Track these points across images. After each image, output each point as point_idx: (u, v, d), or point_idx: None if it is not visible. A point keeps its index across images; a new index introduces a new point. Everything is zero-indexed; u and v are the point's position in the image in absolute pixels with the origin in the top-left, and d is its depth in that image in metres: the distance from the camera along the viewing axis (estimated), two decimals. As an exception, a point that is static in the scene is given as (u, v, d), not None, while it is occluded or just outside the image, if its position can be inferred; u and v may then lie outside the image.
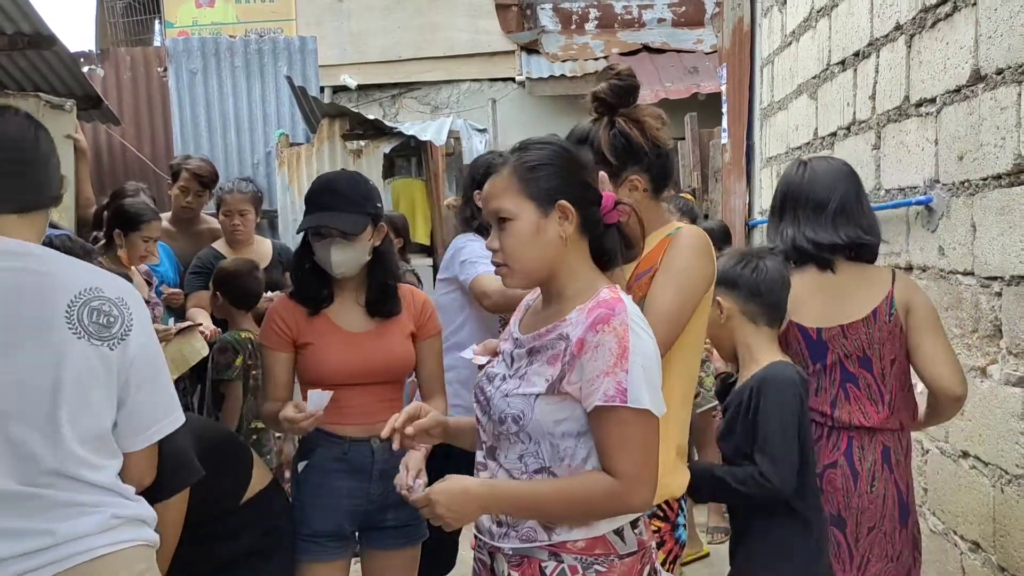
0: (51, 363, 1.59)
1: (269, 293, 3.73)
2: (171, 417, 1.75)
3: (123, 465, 1.69)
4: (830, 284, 2.42)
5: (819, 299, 2.42)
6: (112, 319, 1.65)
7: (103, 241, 3.68)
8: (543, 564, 1.62)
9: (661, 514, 2.06)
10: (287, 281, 3.96)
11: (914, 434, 3.18)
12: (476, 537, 1.78)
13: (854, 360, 2.36)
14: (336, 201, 2.43)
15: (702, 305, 2.03)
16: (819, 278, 2.44)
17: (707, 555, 4.18)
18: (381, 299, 2.50)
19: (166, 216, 4.38)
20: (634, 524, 1.67)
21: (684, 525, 2.12)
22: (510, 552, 1.65)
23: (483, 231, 3.06)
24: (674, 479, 2.08)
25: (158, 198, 5.19)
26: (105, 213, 3.84)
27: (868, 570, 2.34)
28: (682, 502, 2.11)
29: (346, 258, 2.42)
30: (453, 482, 1.63)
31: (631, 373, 1.56)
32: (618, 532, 1.64)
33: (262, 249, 4.18)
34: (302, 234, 2.50)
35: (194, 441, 2.03)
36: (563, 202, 1.66)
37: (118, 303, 1.68)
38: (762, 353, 2.29)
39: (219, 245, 4.08)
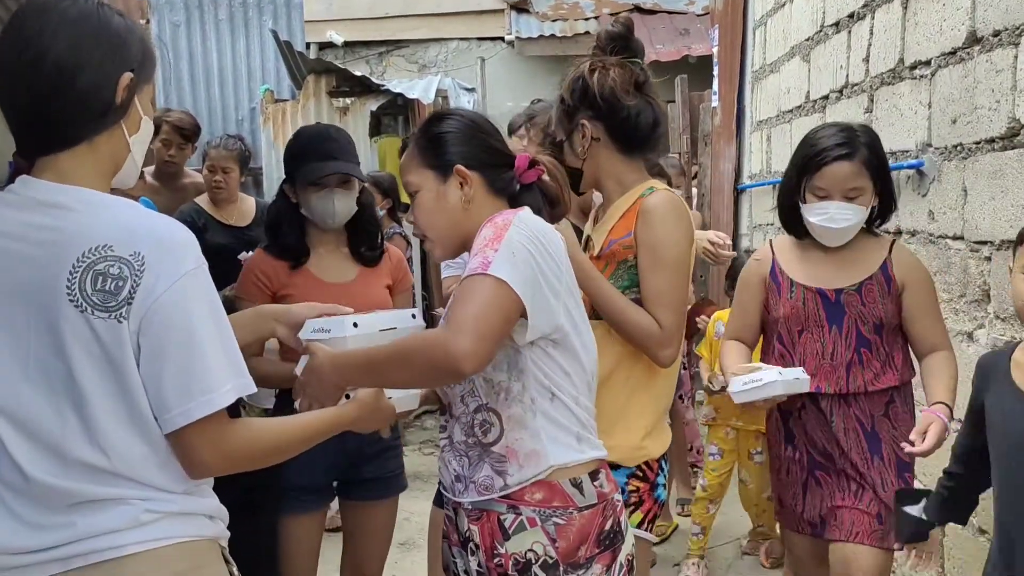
0: (54, 341, 1.36)
1: (249, 253, 3.68)
2: (207, 396, 1.37)
3: (175, 450, 1.41)
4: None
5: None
6: (121, 282, 1.34)
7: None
8: (501, 516, 1.62)
9: (640, 474, 2.07)
10: (261, 243, 3.92)
11: (898, 398, 3.19)
12: (442, 494, 1.78)
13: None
14: (338, 150, 2.48)
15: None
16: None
17: (676, 527, 4.19)
18: (369, 245, 2.56)
19: (149, 170, 4.30)
20: (594, 476, 1.66)
21: (664, 485, 2.13)
22: (469, 506, 1.66)
23: None
24: (654, 441, 2.09)
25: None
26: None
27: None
28: (662, 462, 2.12)
29: (347, 207, 2.47)
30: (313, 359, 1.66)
31: (499, 252, 1.55)
32: (576, 484, 1.63)
33: (245, 207, 4.12)
34: (279, 192, 2.52)
35: None
36: (459, 166, 1.70)
37: (131, 260, 1.35)
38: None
39: (202, 200, 4.02)
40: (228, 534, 1.55)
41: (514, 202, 1.74)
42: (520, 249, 1.57)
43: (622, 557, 1.66)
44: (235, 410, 2.37)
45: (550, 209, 1.78)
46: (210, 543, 1.49)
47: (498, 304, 1.54)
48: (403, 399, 1.72)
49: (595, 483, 1.66)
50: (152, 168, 4.33)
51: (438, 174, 1.72)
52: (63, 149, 1.42)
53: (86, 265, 1.34)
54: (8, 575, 1.39)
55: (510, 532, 1.61)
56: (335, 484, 2.57)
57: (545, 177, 1.78)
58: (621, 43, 2.12)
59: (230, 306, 3.42)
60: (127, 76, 1.42)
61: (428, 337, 1.56)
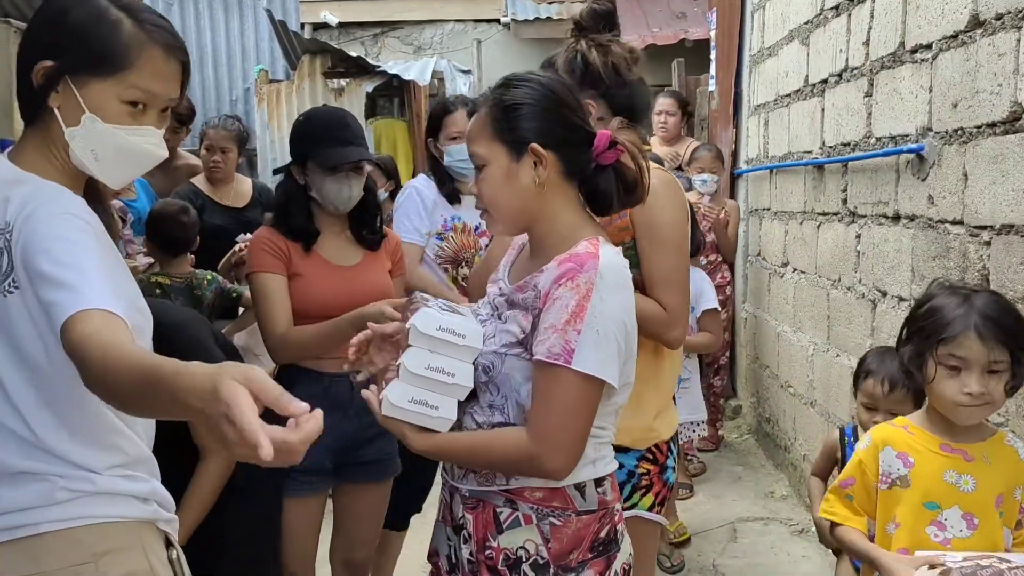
0: None
1: (247, 235, 3.66)
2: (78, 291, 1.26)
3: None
4: None
5: None
6: (1, 255, 1.35)
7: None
8: (498, 509, 1.58)
9: (651, 456, 2.07)
10: (267, 222, 3.89)
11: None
12: (442, 474, 1.77)
13: None
14: (353, 136, 2.47)
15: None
16: None
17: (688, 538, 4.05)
18: (371, 228, 2.56)
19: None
20: (599, 482, 1.61)
21: (674, 468, 2.12)
22: (467, 494, 1.62)
23: (442, 175, 3.13)
24: (663, 423, 2.08)
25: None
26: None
27: None
28: (671, 445, 2.12)
29: (358, 192, 2.47)
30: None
31: (583, 335, 1.47)
32: (579, 488, 1.58)
33: (242, 188, 4.10)
34: (285, 174, 2.51)
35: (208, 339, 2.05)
36: (535, 146, 1.56)
37: (5, 231, 1.35)
38: None
39: (198, 181, 4.00)
40: (170, 516, 1.52)
41: (587, 184, 1.63)
42: (604, 325, 1.49)
43: (617, 566, 1.62)
44: None
45: (626, 195, 1.65)
46: (140, 524, 1.45)
47: (586, 403, 1.51)
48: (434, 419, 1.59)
49: (599, 489, 1.61)
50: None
51: (511, 151, 1.57)
52: (26, 127, 1.48)
53: None
54: None
55: (504, 526, 1.58)
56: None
57: (624, 159, 1.63)
58: (608, 20, 2.08)
59: (234, 303, 3.42)
60: (41, 64, 1.41)
61: (518, 446, 1.51)
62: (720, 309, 3.88)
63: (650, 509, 2.06)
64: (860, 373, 2.50)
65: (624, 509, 2.00)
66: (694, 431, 3.91)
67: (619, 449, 1.99)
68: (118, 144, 1.44)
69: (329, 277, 2.43)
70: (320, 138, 2.43)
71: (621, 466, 2.01)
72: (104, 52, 1.41)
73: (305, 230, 2.44)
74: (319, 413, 1.01)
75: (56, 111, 1.42)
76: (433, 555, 1.76)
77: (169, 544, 1.49)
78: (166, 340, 1.98)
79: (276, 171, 3.05)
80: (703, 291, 3.67)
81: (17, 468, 1.37)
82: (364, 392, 1.59)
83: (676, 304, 1.97)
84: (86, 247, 1.32)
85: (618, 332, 1.52)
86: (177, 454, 1.82)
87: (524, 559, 1.56)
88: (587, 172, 1.62)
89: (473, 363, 1.58)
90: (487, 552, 1.58)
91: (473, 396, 1.62)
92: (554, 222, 1.61)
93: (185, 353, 1.80)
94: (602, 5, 2.09)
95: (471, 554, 1.61)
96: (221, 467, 1.96)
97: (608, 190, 1.63)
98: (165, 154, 1.54)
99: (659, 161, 4.07)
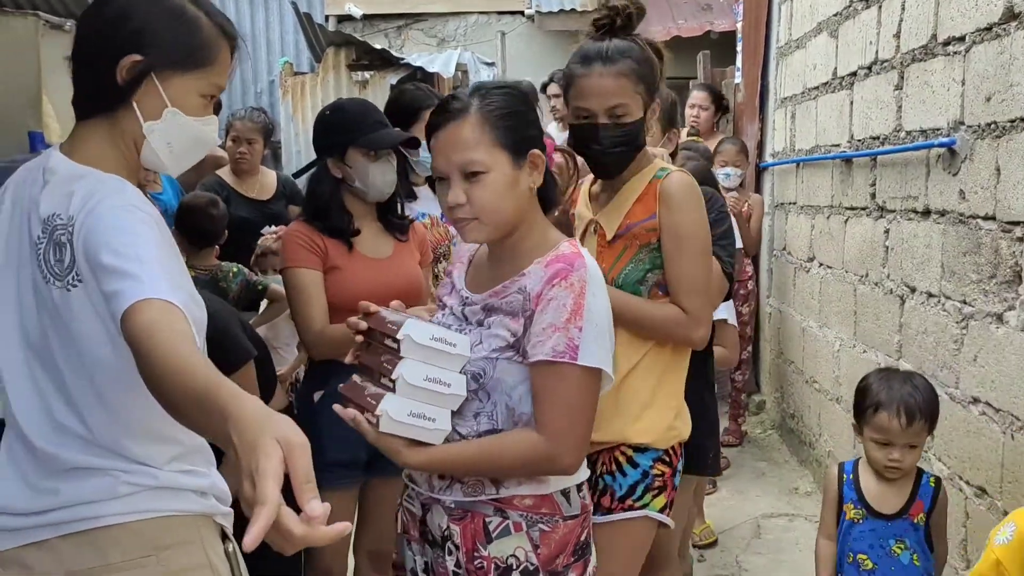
0: (37, 310, 1.41)
1: (272, 227, 3.67)
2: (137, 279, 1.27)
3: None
4: None
5: None
6: (63, 250, 1.37)
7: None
8: (487, 519, 1.58)
9: (666, 458, 2.04)
10: (291, 214, 3.91)
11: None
12: (407, 486, 1.72)
13: None
14: (386, 120, 2.50)
15: None
16: None
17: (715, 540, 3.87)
18: (398, 216, 2.57)
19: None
20: (579, 487, 1.64)
21: (680, 471, 2.11)
22: (452, 505, 1.61)
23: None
24: (682, 421, 2.07)
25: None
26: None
27: None
28: (682, 448, 2.10)
29: (394, 177, 2.47)
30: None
31: (584, 331, 1.51)
32: (564, 493, 1.61)
33: (267, 180, 4.12)
34: (320, 170, 2.49)
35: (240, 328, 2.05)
36: (536, 151, 1.60)
37: (68, 224, 1.37)
38: None
39: (224, 173, 4.02)
40: (227, 511, 1.53)
41: (542, 189, 1.67)
42: (600, 320, 1.54)
43: (590, 568, 1.66)
44: (269, 376, 2.33)
45: (555, 195, 1.72)
46: (198, 519, 1.47)
47: (592, 396, 1.56)
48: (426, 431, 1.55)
49: (580, 494, 1.65)
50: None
51: (513, 157, 1.57)
52: (83, 119, 1.48)
53: (48, 237, 1.38)
54: (10, 536, 1.42)
55: (493, 535, 1.58)
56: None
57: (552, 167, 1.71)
58: (631, 19, 2.02)
59: (259, 295, 3.43)
60: (130, 59, 1.42)
61: (534, 447, 1.52)
62: (736, 323, 3.48)
63: (662, 511, 2.04)
64: (867, 405, 2.24)
65: (634, 508, 2.00)
66: None
67: (637, 449, 1.99)
68: (193, 135, 1.49)
69: (366, 270, 2.43)
70: (359, 125, 2.42)
71: (636, 465, 2.01)
72: (189, 49, 1.45)
73: (346, 230, 2.44)
74: (338, 528, 0.92)
75: (135, 105, 1.44)
76: (399, 568, 1.75)
77: (225, 537, 1.51)
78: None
79: (296, 174, 3.04)
80: None
81: (77, 464, 1.40)
82: (348, 411, 1.53)
83: (695, 307, 1.97)
84: (147, 239, 1.34)
85: (609, 326, 1.58)
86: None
87: (515, 566, 1.57)
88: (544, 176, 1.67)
89: (461, 371, 1.56)
90: (476, 562, 1.58)
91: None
92: (532, 226, 1.64)
93: (214, 343, 1.84)
94: (635, 4, 2.02)
95: (459, 564, 1.60)
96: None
97: (552, 191, 1.70)
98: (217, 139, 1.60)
99: (708, 155, 4.03)
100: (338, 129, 2.43)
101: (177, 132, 1.46)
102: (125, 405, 1.41)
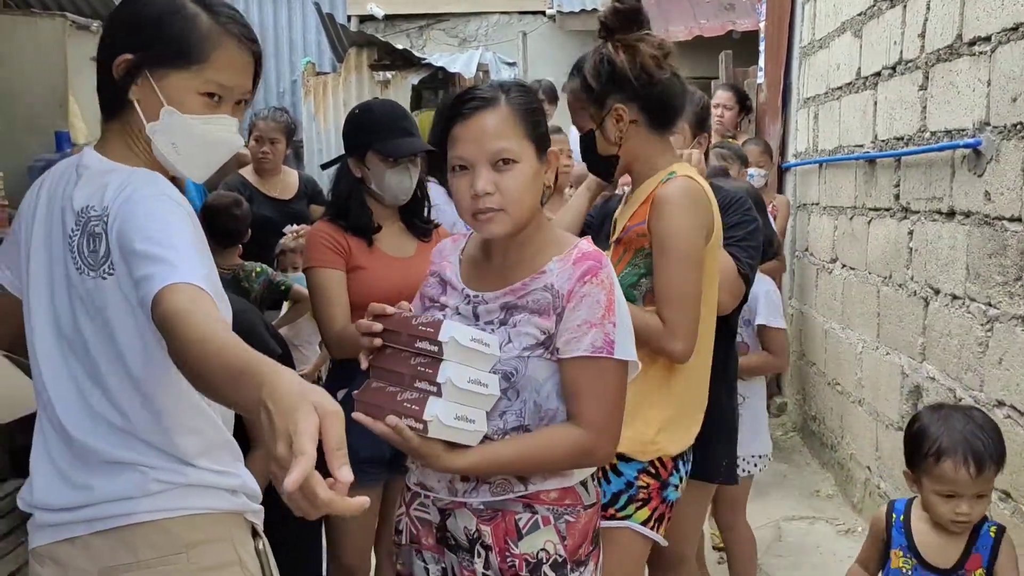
0: (70, 300, 1.43)
1: (294, 226, 3.70)
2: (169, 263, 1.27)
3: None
4: None
5: None
6: (98, 241, 1.39)
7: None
8: (517, 516, 1.59)
9: (652, 470, 1.99)
10: (313, 214, 3.93)
11: (946, 382, 3.14)
12: (418, 494, 1.69)
13: None
14: (412, 126, 2.50)
15: (708, 257, 1.98)
16: None
17: None
18: (422, 217, 2.57)
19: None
20: (593, 476, 1.69)
21: (677, 486, 2.03)
22: (480, 507, 1.60)
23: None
24: (669, 437, 2.00)
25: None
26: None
27: None
28: (679, 463, 2.03)
29: (414, 182, 2.49)
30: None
31: (617, 327, 1.55)
32: (583, 484, 1.65)
33: (289, 180, 4.15)
34: (342, 167, 2.51)
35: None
36: (553, 150, 1.65)
37: (103, 216, 1.39)
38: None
39: (246, 172, 4.05)
40: (258, 508, 1.54)
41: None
42: (625, 312, 1.60)
43: (601, 556, 1.70)
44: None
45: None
46: (229, 516, 1.48)
47: (624, 387, 1.61)
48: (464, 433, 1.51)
49: (593, 483, 1.69)
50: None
51: (539, 153, 1.61)
52: (105, 120, 1.51)
53: (81, 229, 1.40)
54: (46, 532, 1.44)
55: (523, 531, 1.59)
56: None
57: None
58: (632, 17, 2.01)
59: (282, 295, 3.44)
60: (122, 58, 1.43)
61: (575, 441, 1.55)
62: (783, 326, 3.20)
63: (644, 523, 1.98)
64: (926, 453, 1.96)
65: (617, 518, 1.97)
66: (755, 464, 3.13)
67: (620, 457, 1.95)
68: (196, 134, 1.45)
69: (389, 269, 2.43)
70: (381, 129, 2.43)
71: (620, 474, 1.98)
72: (182, 45, 1.43)
73: (367, 227, 2.45)
74: (361, 501, 0.94)
75: (136, 104, 1.44)
76: None
77: (255, 534, 1.52)
78: None
79: (324, 166, 3.05)
80: (757, 303, 3.11)
81: (112, 457, 1.41)
82: (390, 419, 1.46)
83: (675, 318, 1.90)
84: (180, 227, 1.34)
85: (630, 321, 1.62)
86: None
87: (544, 560, 1.58)
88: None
89: (492, 371, 1.55)
90: (509, 561, 1.58)
91: None
92: (540, 224, 1.67)
93: (244, 338, 1.87)
94: (624, 3, 2.02)
95: (490, 566, 1.60)
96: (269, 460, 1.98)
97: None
98: (241, 142, 1.57)
99: (741, 155, 4.00)
100: (361, 130, 2.45)
101: (180, 132, 1.45)
102: (156, 394, 1.42)
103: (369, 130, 2.43)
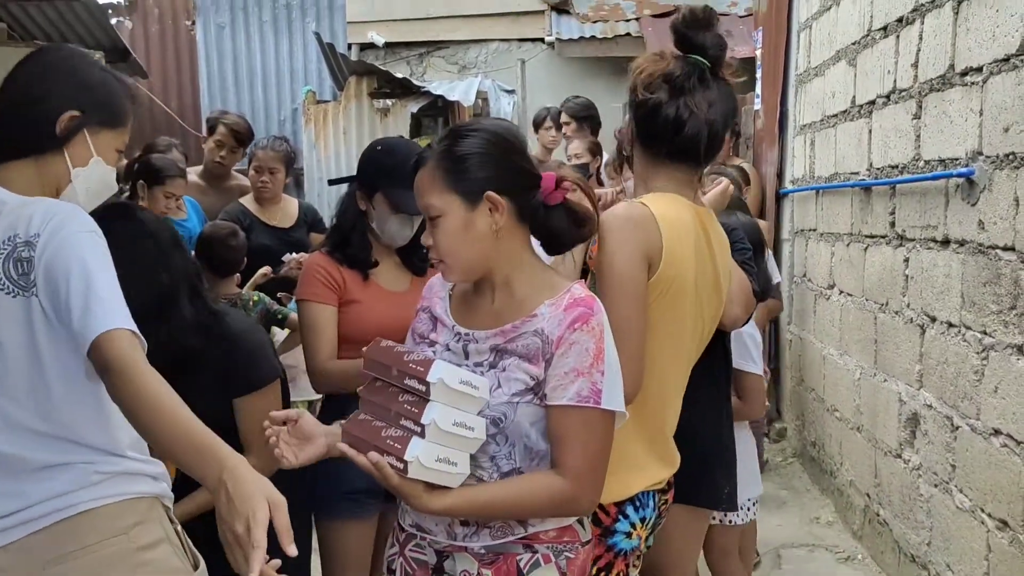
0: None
1: (293, 255, 3.72)
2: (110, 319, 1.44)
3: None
4: None
5: None
6: (28, 264, 1.52)
7: (127, 193, 3.68)
8: (518, 557, 1.59)
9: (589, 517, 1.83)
10: (313, 242, 3.95)
11: (943, 410, 3.14)
12: (413, 535, 1.68)
13: None
14: None
15: (662, 286, 1.82)
16: None
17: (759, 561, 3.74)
18: (422, 255, 2.54)
19: (196, 170, 4.37)
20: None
21: (629, 533, 1.89)
22: (482, 551, 1.60)
23: None
24: (615, 481, 1.77)
25: (187, 154, 5.18)
26: (136, 166, 3.84)
27: None
28: (628, 507, 1.89)
29: (411, 232, 2.46)
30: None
31: (606, 376, 1.54)
32: (580, 521, 1.66)
33: (289, 208, 4.17)
34: (348, 196, 2.50)
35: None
36: (490, 193, 1.57)
37: (31, 242, 1.52)
38: None
39: (247, 201, 4.07)
40: (172, 495, 1.71)
41: (540, 227, 1.65)
42: (614, 360, 1.58)
43: None
44: (285, 403, 2.40)
45: (577, 229, 1.66)
46: (153, 500, 1.63)
47: (610, 437, 1.59)
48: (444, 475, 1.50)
49: (588, 520, 1.70)
50: (199, 168, 4.40)
51: (466, 200, 1.57)
52: (13, 158, 1.65)
53: (6, 255, 1.53)
54: None
55: (525, 572, 1.59)
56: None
57: (571, 195, 1.65)
58: (682, 36, 1.89)
59: (279, 324, 3.46)
60: (69, 114, 1.66)
61: (558, 490, 1.54)
62: (762, 370, 2.89)
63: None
64: None
65: None
66: (748, 509, 2.94)
67: None
68: (107, 181, 1.75)
69: (384, 303, 2.44)
70: (397, 176, 2.33)
71: None
72: (115, 110, 1.73)
73: (365, 261, 2.45)
74: None
75: (66, 153, 1.68)
76: None
77: (171, 519, 1.68)
78: (232, 343, 2.06)
79: (332, 182, 3.06)
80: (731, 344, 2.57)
81: (48, 463, 1.54)
82: (371, 455, 1.49)
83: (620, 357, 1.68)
84: (109, 266, 1.53)
85: (619, 370, 1.61)
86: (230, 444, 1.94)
87: None
88: (539, 214, 1.64)
89: (479, 414, 1.54)
90: None
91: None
92: (517, 266, 1.63)
93: (251, 355, 2.02)
94: (681, 17, 1.88)
95: None
96: (258, 467, 1.99)
97: (560, 227, 1.64)
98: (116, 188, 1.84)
99: (745, 176, 4.00)
100: (378, 170, 2.41)
101: (96, 178, 1.72)
102: (80, 396, 1.55)
103: (385, 172, 2.39)
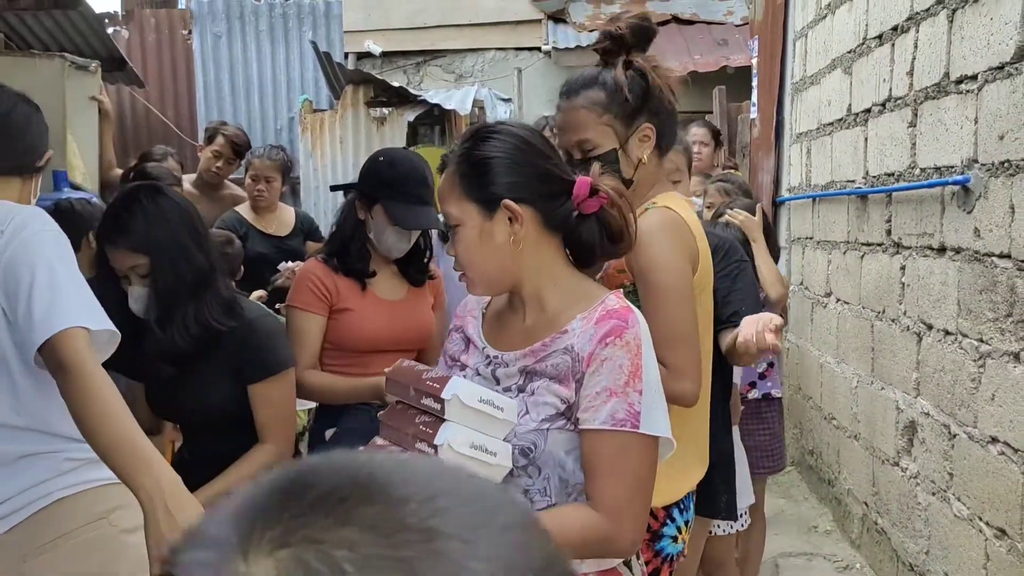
0: None
1: (289, 263, 3.72)
2: (69, 319, 1.49)
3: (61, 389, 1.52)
4: None
5: None
6: None
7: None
8: None
9: None
10: (309, 250, 3.95)
11: (940, 418, 3.14)
12: None
13: None
14: (430, 195, 2.41)
15: (698, 288, 1.85)
16: None
17: None
18: (420, 267, 2.55)
19: (189, 178, 4.38)
20: (638, 554, 1.55)
21: (675, 537, 1.89)
22: None
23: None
24: (667, 482, 1.78)
25: (183, 163, 5.18)
26: (132, 175, 3.84)
27: None
28: (675, 511, 1.90)
29: (408, 246, 2.45)
30: None
31: (644, 396, 1.37)
32: (626, 563, 1.50)
33: (285, 217, 4.18)
34: (349, 204, 2.50)
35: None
36: (508, 202, 1.43)
37: None
38: None
39: (243, 209, 4.08)
40: None
41: (570, 236, 1.50)
42: (655, 381, 1.40)
43: None
44: None
45: (610, 244, 1.50)
46: (123, 486, 1.66)
47: (652, 467, 1.41)
48: None
49: (639, 561, 1.55)
50: (193, 176, 4.41)
51: (483, 209, 1.44)
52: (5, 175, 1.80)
53: None
54: None
55: None
56: None
57: (608, 207, 1.48)
58: (649, 37, 1.91)
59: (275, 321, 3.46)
60: (48, 153, 1.92)
61: (592, 528, 1.36)
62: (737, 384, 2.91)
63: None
64: None
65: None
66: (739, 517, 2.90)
67: None
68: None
69: (377, 311, 2.44)
70: (398, 189, 2.36)
71: None
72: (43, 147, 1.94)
73: (362, 272, 2.44)
74: None
75: (37, 179, 1.90)
76: None
77: None
78: (249, 328, 2.09)
79: (335, 188, 3.06)
80: None
81: (20, 454, 1.58)
82: None
83: (677, 358, 1.74)
84: (71, 264, 1.58)
85: (661, 388, 1.45)
86: (239, 430, 2.02)
87: None
88: (570, 223, 1.48)
89: (505, 439, 1.40)
90: None
91: None
92: (548, 278, 1.49)
93: (267, 340, 2.06)
94: (645, 20, 1.90)
95: None
96: (274, 456, 2.02)
97: (590, 241, 1.48)
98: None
99: (745, 188, 4.01)
100: (379, 181, 2.40)
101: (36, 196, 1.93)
102: (44, 387, 1.59)
103: (386, 184, 2.38)
